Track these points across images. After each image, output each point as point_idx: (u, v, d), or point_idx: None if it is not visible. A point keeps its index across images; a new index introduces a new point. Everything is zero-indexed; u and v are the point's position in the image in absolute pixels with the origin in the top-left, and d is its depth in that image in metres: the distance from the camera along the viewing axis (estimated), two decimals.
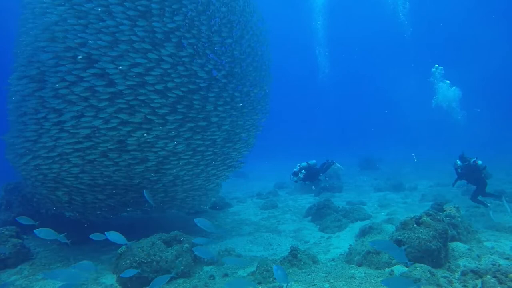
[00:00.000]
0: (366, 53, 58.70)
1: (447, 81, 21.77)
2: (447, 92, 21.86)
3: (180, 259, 6.20)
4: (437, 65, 22.29)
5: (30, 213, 8.56)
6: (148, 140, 6.90)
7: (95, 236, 5.79)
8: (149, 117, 6.76)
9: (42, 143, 6.62)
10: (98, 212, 7.76)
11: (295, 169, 11.89)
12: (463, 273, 5.28)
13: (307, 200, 13.82)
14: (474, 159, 9.35)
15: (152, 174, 7.39)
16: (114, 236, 5.55)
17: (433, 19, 46.63)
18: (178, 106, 7.12)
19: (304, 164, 11.37)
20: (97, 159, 6.77)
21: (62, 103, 6.35)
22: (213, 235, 9.16)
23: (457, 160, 9.71)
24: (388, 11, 39.52)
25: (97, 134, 6.52)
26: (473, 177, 9.54)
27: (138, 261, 5.84)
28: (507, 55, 44.49)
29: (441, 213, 6.58)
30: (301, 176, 11.24)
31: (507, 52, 44.27)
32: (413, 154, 23.97)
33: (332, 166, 12.21)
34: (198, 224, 5.86)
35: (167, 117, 7.02)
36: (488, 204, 9.33)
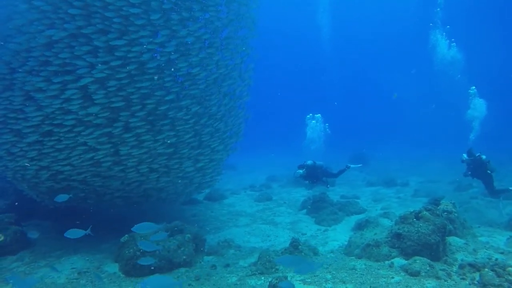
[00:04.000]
0: (369, 50, 58.19)
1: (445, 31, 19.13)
2: (446, 52, 19.48)
3: (182, 249, 6.25)
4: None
5: (26, 200, 8.48)
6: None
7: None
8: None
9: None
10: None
11: (302, 163, 11.61)
12: (461, 266, 5.43)
13: (301, 193, 13.97)
14: (478, 154, 9.59)
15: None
16: (72, 233, 5.43)
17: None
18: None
19: (310, 162, 11.23)
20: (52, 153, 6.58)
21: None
22: (210, 225, 9.23)
23: (464, 154, 9.93)
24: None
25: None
26: (478, 171, 9.77)
27: (141, 250, 5.86)
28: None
29: (439, 208, 6.74)
30: (303, 173, 11.10)
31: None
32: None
33: (347, 170, 11.92)
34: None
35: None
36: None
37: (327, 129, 19.08)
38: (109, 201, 7.76)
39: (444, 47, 19.92)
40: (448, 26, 19.79)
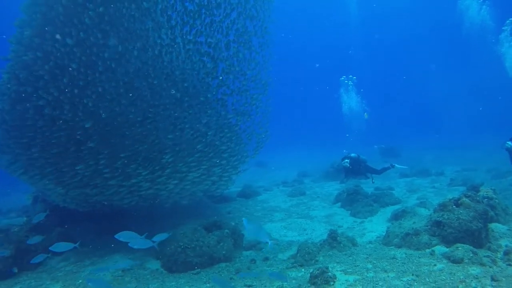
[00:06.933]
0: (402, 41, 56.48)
1: None
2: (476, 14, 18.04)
3: (221, 244, 6.37)
4: None
5: None
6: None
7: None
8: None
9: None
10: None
11: (346, 155, 11.31)
12: (506, 253, 5.28)
13: (334, 187, 13.90)
14: None
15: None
16: (59, 246, 5.58)
17: None
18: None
19: (354, 155, 10.98)
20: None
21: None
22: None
23: (508, 142, 9.61)
24: None
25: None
26: None
27: (182, 246, 6.03)
28: None
29: (479, 194, 6.57)
30: (347, 165, 10.77)
31: None
32: None
33: (392, 169, 11.62)
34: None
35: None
36: None
37: (365, 106, 18.23)
38: (119, 206, 7.86)
39: (475, 11, 18.46)
40: None
